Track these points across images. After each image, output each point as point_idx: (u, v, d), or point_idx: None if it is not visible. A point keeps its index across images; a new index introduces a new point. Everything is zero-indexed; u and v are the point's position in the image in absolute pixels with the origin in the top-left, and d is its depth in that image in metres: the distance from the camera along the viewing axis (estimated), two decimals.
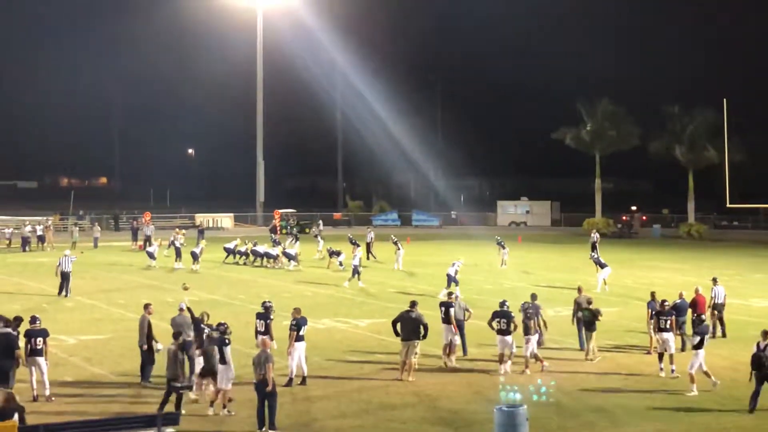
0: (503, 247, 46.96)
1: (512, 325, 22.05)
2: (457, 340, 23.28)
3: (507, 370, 22.06)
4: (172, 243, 47.20)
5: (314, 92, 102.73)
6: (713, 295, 27.37)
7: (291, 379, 20.53)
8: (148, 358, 20.86)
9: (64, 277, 35.21)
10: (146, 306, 21.91)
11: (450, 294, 24.89)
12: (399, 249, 45.76)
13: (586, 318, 23.84)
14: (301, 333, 20.83)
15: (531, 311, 22.79)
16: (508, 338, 22.02)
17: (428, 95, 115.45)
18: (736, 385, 20.83)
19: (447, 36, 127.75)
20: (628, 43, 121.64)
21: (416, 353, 21.49)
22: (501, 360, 22.21)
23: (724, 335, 27.05)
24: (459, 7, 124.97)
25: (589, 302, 24.56)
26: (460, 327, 23.76)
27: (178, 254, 46.14)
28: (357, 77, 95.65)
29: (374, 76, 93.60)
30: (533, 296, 24.20)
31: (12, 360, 18.62)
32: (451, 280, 35.08)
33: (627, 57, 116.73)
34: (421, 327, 21.57)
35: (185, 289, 24.81)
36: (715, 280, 28.19)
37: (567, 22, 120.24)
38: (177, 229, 53.87)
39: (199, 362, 19.40)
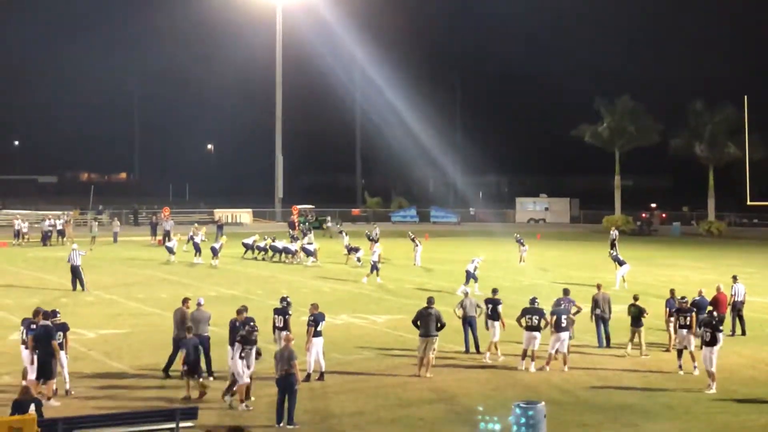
0: (522, 245, 46.91)
1: (543, 322, 22.19)
2: (497, 335, 23.33)
3: (531, 368, 22.07)
4: (191, 238, 47.26)
5: (333, 88, 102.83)
6: (733, 293, 27.27)
7: (309, 375, 20.56)
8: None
9: (74, 271, 35.35)
10: (185, 300, 22.14)
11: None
12: (417, 245, 45.72)
13: (633, 314, 23.85)
14: (318, 329, 20.90)
15: (565, 306, 22.95)
16: (537, 335, 22.12)
17: (447, 91, 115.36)
18: (755, 383, 20.75)
19: (466, 32, 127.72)
20: (650, 39, 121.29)
21: (434, 349, 21.51)
22: (524, 356, 22.27)
23: (743, 333, 26.94)
24: (480, 3, 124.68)
25: (636, 298, 24.44)
26: (472, 324, 23.84)
27: (198, 250, 46.06)
28: (376, 73, 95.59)
29: (393, 72, 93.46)
30: (566, 291, 24.25)
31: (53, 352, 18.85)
32: (470, 276, 35.10)
33: (648, 53, 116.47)
34: (439, 323, 21.61)
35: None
36: (735, 278, 28.07)
37: (587, 19, 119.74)
38: (196, 225, 54.01)
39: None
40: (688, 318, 22.18)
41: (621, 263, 38.41)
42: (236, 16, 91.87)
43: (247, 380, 18.65)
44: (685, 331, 22.03)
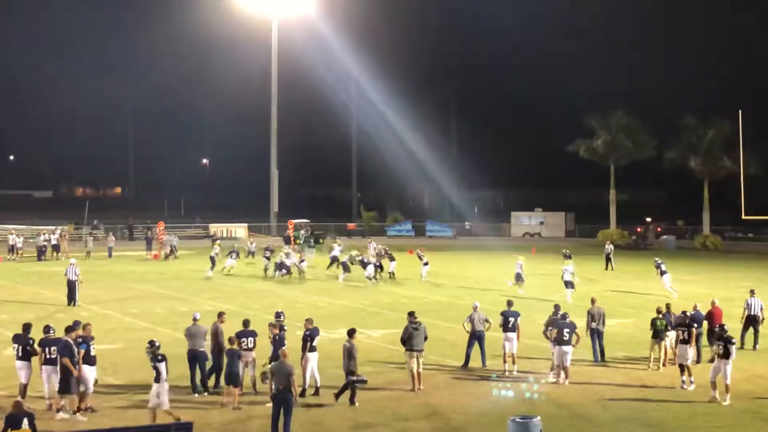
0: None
1: (575, 337, 22.44)
2: (514, 348, 23.39)
3: (563, 381, 22.23)
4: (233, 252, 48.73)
5: (329, 102, 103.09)
6: (746, 306, 27.46)
7: (304, 390, 20.51)
8: (218, 364, 21.11)
9: (69, 286, 35.32)
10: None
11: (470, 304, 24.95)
12: (425, 262, 45.17)
13: (658, 327, 23.77)
14: (314, 343, 20.88)
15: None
16: (567, 348, 22.30)
17: (443, 106, 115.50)
18: (752, 397, 20.74)
19: (462, 47, 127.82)
20: (645, 53, 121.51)
21: (422, 363, 21.62)
22: (557, 369, 22.52)
23: (754, 348, 26.99)
24: (474, 18, 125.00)
25: (660, 311, 24.39)
26: (480, 338, 23.80)
27: (211, 262, 47.20)
28: (372, 87, 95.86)
29: (389, 86, 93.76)
30: (557, 307, 24.22)
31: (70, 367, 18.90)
32: (519, 277, 39.91)
33: (643, 67, 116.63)
34: (425, 337, 21.80)
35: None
36: (752, 292, 28.07)
37: (583, 34, 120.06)
38: (217, 241, 55.10)
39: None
40: (687, 333, 22.19)
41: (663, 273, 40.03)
42: (231, 31, 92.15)
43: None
44: (685, 346, 22.03)
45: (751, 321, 27.27)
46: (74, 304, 34.76)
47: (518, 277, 40.31)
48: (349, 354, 20.27)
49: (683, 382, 21.82)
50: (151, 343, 18.79)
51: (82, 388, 19.12)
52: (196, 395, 20.61)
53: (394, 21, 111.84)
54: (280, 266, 45.16)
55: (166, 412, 17.87)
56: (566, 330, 22.37)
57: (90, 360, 19.40)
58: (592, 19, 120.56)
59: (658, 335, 23.78)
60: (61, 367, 18.87)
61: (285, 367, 17.71)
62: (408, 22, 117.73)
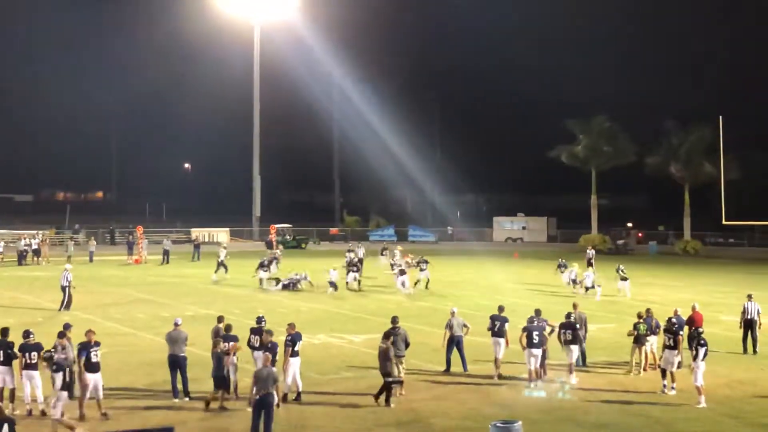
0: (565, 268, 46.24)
1: (578, 337, 23.31)
2: (500, 353, 23.56)
3: (574, 381, 22.68)
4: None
5: (311, 106, 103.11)
6: (743, 310, 27.72)
7: (286, 395, 20.46)
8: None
9: (63, 291, 35.21)
10: (219, 318, 22.40)
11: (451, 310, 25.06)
12: (422, 270, 44.48)
13: (641, 333, 23.92)
14: (296, 348, 20.83)
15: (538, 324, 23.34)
16: (574, 347, 23.09)
17: (426, 111, 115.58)
18: (730, 401, 20.84)
19: (445, 51, 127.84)
20: (627, 59, 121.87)
21: (403, 368, 21.64)
22: (570, 370, 23.07)
23: (755, 352, 27.23)
24: (457, 22, 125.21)
25: (640, 316, 24.56)
26: (459, 344, 23.87)
27: (224, 267, 47.60)
28: (354, 92, 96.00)
29: (372, 91, 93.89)
30: (537, 311, 24.30)
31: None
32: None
33: (625, 73, 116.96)
34: (406, 342, 21.86)
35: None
36: (750, 297, 28.28)
37: (565, 40, 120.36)
38: (224, 245, 55.40)
39: None
40: (672, 339, 22.30)
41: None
42: (214, 35, 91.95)
43: None
44: (672, 351, 22.11)
45: (748, 325, 27.48)
46: (60, 310, 34.56)
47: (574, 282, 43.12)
48: (386, 355, 20.53)
49: (664, 386, 21.90)
50: (48, 351, 19.07)
51: (89, 394, 19.10)
52: (176, 400, 20.54)
53: (377, 25, 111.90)
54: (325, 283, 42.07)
55: (58, 422, 17.82)
56: (535, 333, 22.55)
57: (91, 367, 19.28)
58: (575, 26, 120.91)
59: (639, 340, 23.89)
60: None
61: (270, 372, 17.66)
62: (391, 27, 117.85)
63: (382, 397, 20.45)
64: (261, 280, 44.23)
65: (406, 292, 41.06)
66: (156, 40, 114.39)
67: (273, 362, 18.68)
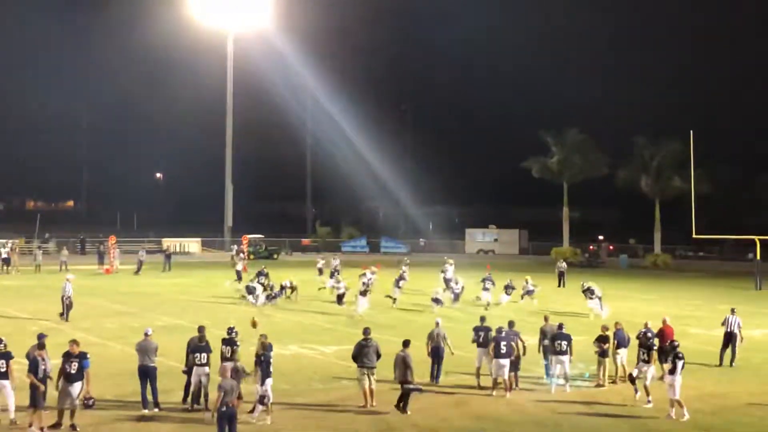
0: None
1: (570, 348, 23.28)
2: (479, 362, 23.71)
3: (567, 390, 23.10)
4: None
5: (285, 117, 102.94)
6: (723, 322, 28.11)
7: (255, 407, 20.33)
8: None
9: (62, 301, 34.94)
10: (200, 328, 22.13)
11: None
12: (485, 288, 42.71)
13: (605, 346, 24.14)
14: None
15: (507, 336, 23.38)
16: (565, 359, 23.19)
17: (399, 122, 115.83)
18: (702, 416, 20.90)
19: (418, 63, 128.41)
20: (599, 72, 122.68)
21: (374, 380, 21.63)
22: (565, 378, 23.39)
23: (731, 364, 27.46)
24: (430, 35, 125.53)
25: (605, 329, 24.69)
26: (439, 354, 23.90)
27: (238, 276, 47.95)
28: (328, 102, 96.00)
29: (345, 102, 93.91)
30: (511, 323, 24.41)
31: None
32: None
33: (597, 86, 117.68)
34: (378, 354, 21.77)
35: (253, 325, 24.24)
36: (733, 311, 28.55)
37: (538, 52, 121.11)
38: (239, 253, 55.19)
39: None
40: (647, 353, 22.39)
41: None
42: (187, 44, 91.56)
43: None
44: (646, 364, 22.19)
45: (728, 338, 27.71)
46: (65, 319, 34.38)
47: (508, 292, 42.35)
48: (404, 363, 20.85)
49: (636, 391, 22.06)
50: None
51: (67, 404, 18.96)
52: (146, 411, 20.38)
53: (350, 35, 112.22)
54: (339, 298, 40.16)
55: None
56: (503, 343, 22.68)
57: (68, 377, 19.13)
58: (549, 38, 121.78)
59: (603, 353, 24.01)
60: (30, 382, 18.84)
61: (234, 384, 17.54)
62: (365, 37, 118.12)
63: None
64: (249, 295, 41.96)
65: (360, 311, 37.71)
66: (128, 48, 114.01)
67: (268, 373, 19.52)
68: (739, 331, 27.79)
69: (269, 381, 19.94)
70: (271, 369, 20.13)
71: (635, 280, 61.42)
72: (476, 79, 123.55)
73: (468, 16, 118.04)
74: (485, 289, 42.02)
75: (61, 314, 34.92)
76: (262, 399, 19.72)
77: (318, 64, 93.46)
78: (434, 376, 24.06)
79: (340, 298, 39.77)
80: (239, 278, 47.20)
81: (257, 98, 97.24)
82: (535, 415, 20.97)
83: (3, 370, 19.08)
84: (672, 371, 20.65)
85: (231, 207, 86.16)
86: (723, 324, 28.13)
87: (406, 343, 21.51)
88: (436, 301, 39.48)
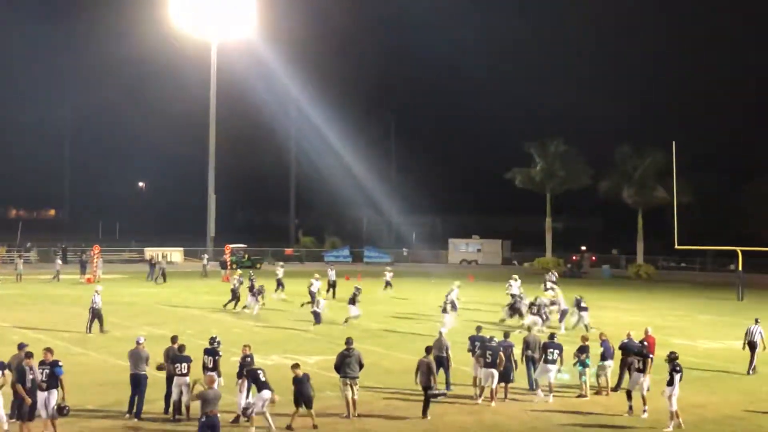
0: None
1: (561, 358, 23.64)
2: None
3: (550, 401, 23.15)
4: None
5: (268, 126, 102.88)
6: (746, 332, 28.76)
7: (238, 416, 20.28)
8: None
9: (95, 314, 34.42)
10: (173, 338, 22.16)
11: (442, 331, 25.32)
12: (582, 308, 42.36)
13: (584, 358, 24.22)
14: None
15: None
16: (553, 368, 23.44)
17: (383, 132, 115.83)
18: (690, 428, 20.91)
19: (402, 73, 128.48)
20: (582, 83, 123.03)
21: (357, 389, 21.61)
22: (538, 387, 23.69)
23: (748, 372, 28.12)
24: (415, 45, 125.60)
25: (584, 339, 24.89)
26: (443, 363, 24.07)
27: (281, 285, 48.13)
28: (311, 112, 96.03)
29: (329, 112, 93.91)
30: (506, 334, 24.55)
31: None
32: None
33: (579, 96, 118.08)
34: (360, 364, 21.78)
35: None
36: (756, 321, 29.26)
37: (521, 63, 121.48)
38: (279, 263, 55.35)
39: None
40: (642, 362, 22.45)
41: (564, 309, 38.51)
42: (171, 53, 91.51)
43: None
44: (639, 374, 22.25)
45: (751, 347, 28.42)
46: (100, 330, 33.97)
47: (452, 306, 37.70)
48: (427, 368, 21.29)
49: (630, 408, 22.14)
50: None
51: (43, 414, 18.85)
52: (127, 415, 20.36)
53: (334, 45, 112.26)
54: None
55: None
56: (489, 352, 22.86)
57: (33, 385, 19.07)
58: (531, 49, 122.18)
59: (585, 363, 24.10)
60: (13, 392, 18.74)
61: (216, 394, 17.48)
62: (348, 48, 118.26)
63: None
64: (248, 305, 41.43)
65: (353, 316, 38.10)
66: (112, 57, 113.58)
67: (264, 386, 19.69)
68: (761, 340, 28.43)
69: (266, 393, 19.87)
70: (263, 379, 20.00)
71: (617, 290, 61.55)
72: (461, 90, 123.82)
73: (453, 26, 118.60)
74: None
75: (93, 323, 34.29)
76: (245, 411, 19.66)
77: (302, 73, 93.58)
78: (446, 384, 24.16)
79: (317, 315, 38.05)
80: (234, 298, 44.81)
81: (241, 108, 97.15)
82: (518, 425, 20.96)
83: None
84: (670, 383, 20.71)
85: (213, 216, 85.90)
86: (746, 334, 28.73)
87: (428, 350, 22.11)
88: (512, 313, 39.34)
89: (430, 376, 21.30)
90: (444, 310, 36.96)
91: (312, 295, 41.22)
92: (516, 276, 47.42)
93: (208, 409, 17.18)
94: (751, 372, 28.09)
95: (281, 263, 55.57)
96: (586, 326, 36.04)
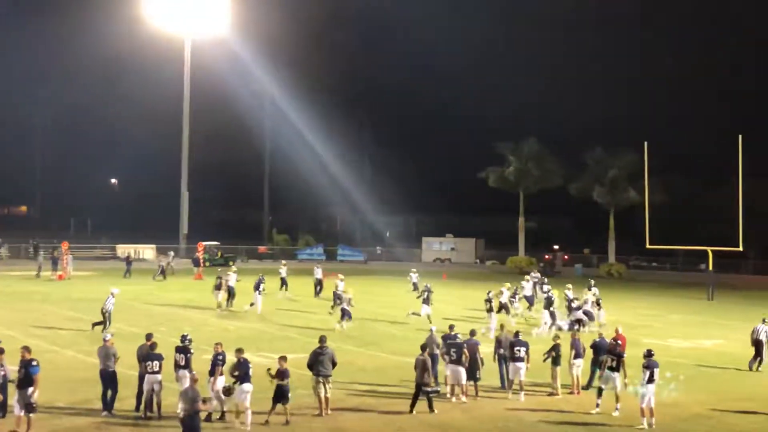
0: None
1: (528, 356, 23.78)
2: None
3: (521, 399, 23.35)
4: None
5: (242, 123, 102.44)
6: (753, 330, 29.74)
7: (210, 414, 20.24)
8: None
9: (102, 314, 33.97)
10: (148, 336, 22.01)
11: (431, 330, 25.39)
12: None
13: (558, 354, 24.36)
14: (223, 368, 20.69)
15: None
16: (522, 366, 23.62)
17: (358, 130, 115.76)
18: (660, 427, 21.03)
19: (376, 71, 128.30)
20: (555, 83, 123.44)
21: (329, 387, 21.62)
22: (511, 386, 23.97)
23: (757, 369, 29.06)
24: (389, 42, 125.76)
25: (556, 338, 25.07)
26: (434, 361, 23.97)
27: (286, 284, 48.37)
28: (286, 109, 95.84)
29: (304, 109, 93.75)
30: (473, 332, 24.60)
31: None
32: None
33: (552, 97, 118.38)
34: (333, 362, 21.84)
35: None
36: (764, 320, 29.97)
37: (495, 62, 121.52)
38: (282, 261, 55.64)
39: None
40: (615, 360, 22.54)
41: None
42: (143, 49, 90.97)
43: None
44: (615, 374, 22.32)
45: (757, 346, 29.31)
46: (94, 328, 33.34)
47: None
48: (424, 366, 21.75)
49: (597, 405, 22.31)
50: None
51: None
52: (104, 413, 20.29)
53: (309, 42, 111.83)
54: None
55: None
56: (453, 349, 23.16)
57: (4, 381, 19.03)
58: (506, 49, 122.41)
59: (556, 361, 24.24)
60: None
61: (193, 392, 17.47)
62: (323, 45, 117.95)
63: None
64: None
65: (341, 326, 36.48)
66: (84, 52, 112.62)
67: (247, 379, 19.92)
68: (767, 340, 29.32)
69: (247, 386, 20.17)
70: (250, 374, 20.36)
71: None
72: (435, 89, 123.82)
73: (427, 25, 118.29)
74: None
75: (99, 324, 33.62)
76: (227, 391, 20.21)
77: (276, 70, 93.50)
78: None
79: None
80: (231, 296, 44.02)
81: (215, 104, 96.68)
82: (489, 423, 21.03)
83: None
84: (650, 380, 20.92)
85: (186, 213, 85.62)
86: (752, 333, 29.60)
87: (423, 348, 22.51)
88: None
89: (424, 373, 21.69)
90: (424, 301, 38.67)
91: (337, 296, 40.43)
92: (528, 277, 47.84)
93: (186, 407, 17.17)
94: (759, 369, 28.94)
95: (284, 262, 54.86)
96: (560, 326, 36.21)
